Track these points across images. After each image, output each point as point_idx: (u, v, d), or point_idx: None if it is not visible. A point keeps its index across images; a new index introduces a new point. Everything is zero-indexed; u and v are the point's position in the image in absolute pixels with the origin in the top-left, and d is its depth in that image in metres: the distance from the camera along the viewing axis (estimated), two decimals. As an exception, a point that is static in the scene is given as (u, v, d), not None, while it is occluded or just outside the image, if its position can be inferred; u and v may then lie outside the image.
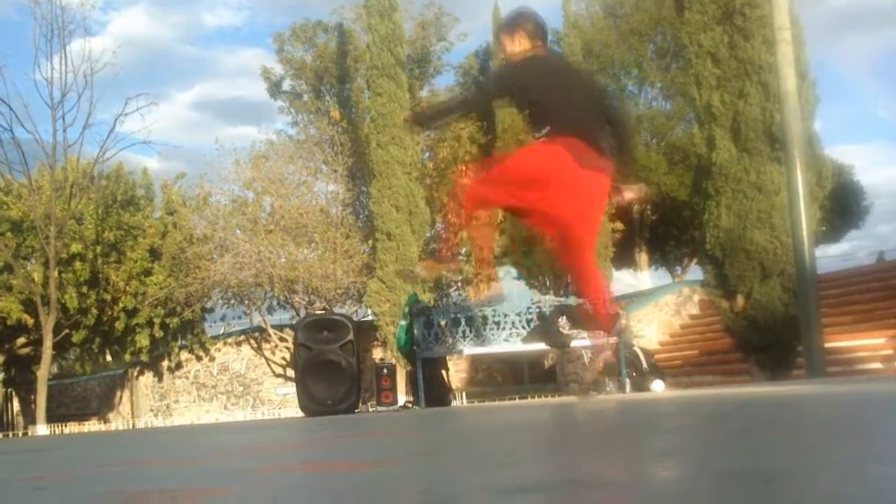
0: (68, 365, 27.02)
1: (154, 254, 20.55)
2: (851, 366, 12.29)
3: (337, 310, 18.76)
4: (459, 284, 18.79)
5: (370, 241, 18.35)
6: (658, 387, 10.85)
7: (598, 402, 4.49)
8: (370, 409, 12.75)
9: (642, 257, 23.42)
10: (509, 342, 10.17)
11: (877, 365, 12.24)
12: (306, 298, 19.63)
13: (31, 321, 18.19)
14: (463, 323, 10.11)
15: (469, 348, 10.26)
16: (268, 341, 21.23)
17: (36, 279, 17.91)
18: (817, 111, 11.32)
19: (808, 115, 10.56)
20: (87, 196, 19.46)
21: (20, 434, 19.86)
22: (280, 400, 21.13)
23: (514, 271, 10.63)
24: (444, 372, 10.66)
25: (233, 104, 61.14)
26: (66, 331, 18.95)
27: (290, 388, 16.87)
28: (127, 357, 21.77)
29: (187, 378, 21.82)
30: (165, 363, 21.71)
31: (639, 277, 24.48)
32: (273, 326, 20.96)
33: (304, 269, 18.83)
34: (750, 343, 11.22)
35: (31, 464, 3.35)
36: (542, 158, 3.86)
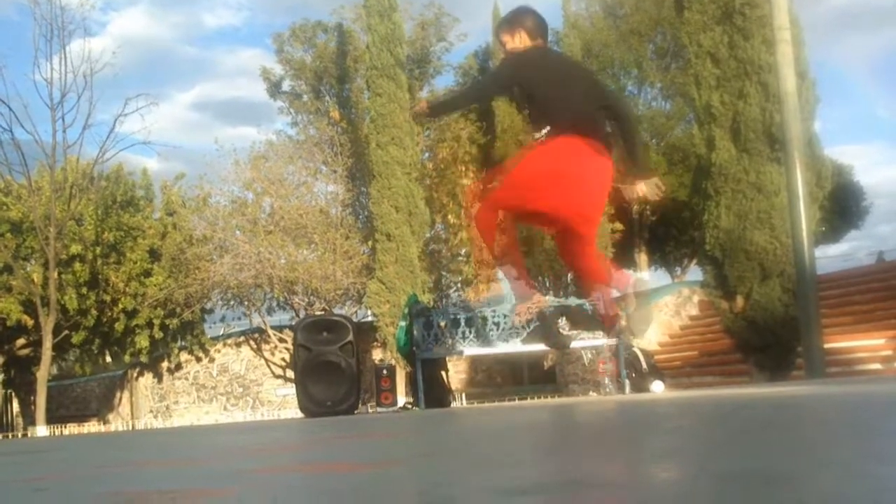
0: (68, 366, 27.00)
1: (154, 255, 20.55)
2: (851, 366, 12.28)
3: (336, 311, 18.76)
4: (459, 285, 18.82)
5: (370, 242, 18.35)
6: (657, 388, 10.84)
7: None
8: (370, 410, 12.74)
9: (642, 258, 23.41)
10: (509, 343, 10.17)
11: (876, 366, 12.23)
12: (306, 299, 19.62)
13: (30, 322, 18.19)
14: (462, 324, 10.10)
15: (469, 349, 10.26)
16: (267, 342, 21.22)
17: (35, 280, 17.91)
18: (817, 111, 11.33)
19: (808, 116, 10.56)
20: (86, 197, 19.46)
21: (20, 435, 19.85)
22: (280, 401, 21.12)
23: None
24: (443, 373, 10.65)
25: (232, 105, 61.17)
26: (66, 332, 18.94)
27: (290, 389, 16.87)
28: (126, 358, 21.76)
29: (187, 379, 21.81)
30: (165, 364, 21.70)
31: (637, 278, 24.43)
32: (273, 327, 20.95)
33: (303, 269, 18.82)
34: (749, 344, 11.22)
35: (30, 465, 3.35)
36: (544, 161, 3.86)
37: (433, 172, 19.39)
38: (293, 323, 18.44)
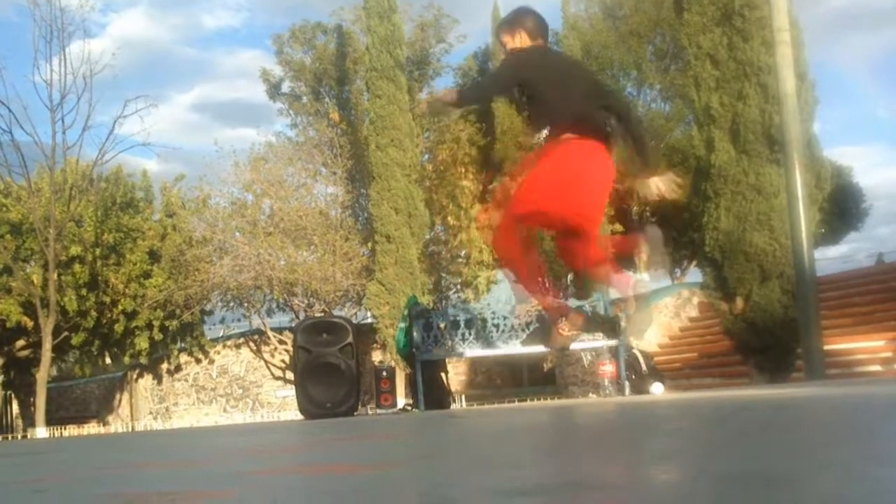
0: (67, 367, 26.99)
1: (153, 256, 20.54)
2: (850, 368, 12.27)
3: (336, 312, 18.76)
4: (459, 287, 18.80)
5: (369, 244, 18.34)
6: (657, 389, 10.86)
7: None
8: (369, 412, 12.74)
9: (641, 259, 23.41)
10: (509, 344, 10.18)
11: (876, 367, 12.23)
12: (305, 301, 19.62)
13: (30, 324, 18.18)
14: (462, 325, 10.11)
15: (468, 351, 10.27)
16: (267, 344, 21.21)
17: (35, 281, 17.90)
18: (816, 113, 11.32)
19: (808, 117, 10.57)
20: (86, 198, 19.45)
21: (19, 437, 19.85)
22: (279, 402, 21.11)
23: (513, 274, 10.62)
24: (443, 374, 10.66)
25: (232, 106, 61.16)
26: (66, 333, 18.93)
27: (290, 391, 16.88)
28: (126, 359, 21.74)
29: (186, 381, 21.80)
30: (165, 366, 21.68)
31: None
32: (272, 329, 20.94)
33: (303, 271, 18.82)
34: (749, 345, 11.22)
35: (30, 466, 3.35)
36: (555, 167, 3.84)
37: (433, 174, 19.37)
38: (293, 324, 18.44)
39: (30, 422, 19.69)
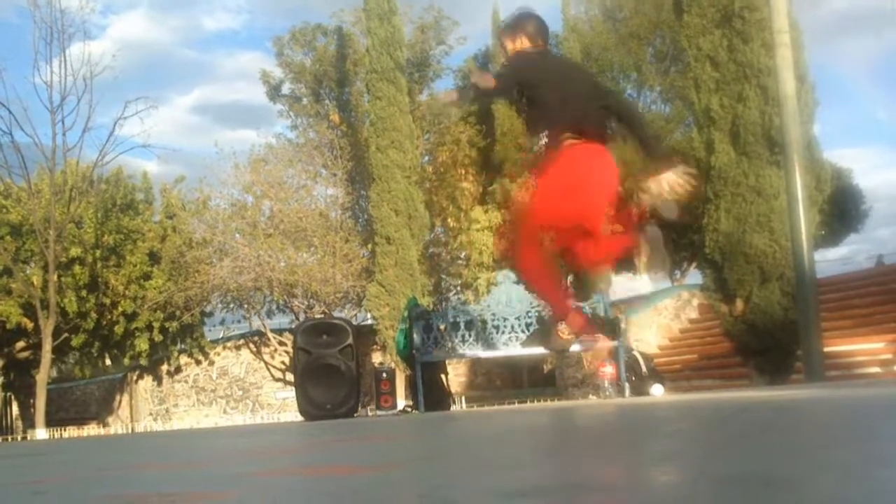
0: (67, 369, 26.98)
1: (153, 258, 20.54)
2: (850, 370, 12.27)
3: (336, 314, 18.76)
4: (459, 288, 18.79)
5: (369, 245, 18.34)
6: (657, 391, 10.86)
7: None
8: (369, 414, 12.74)
9: (641, 261, 23.40)
10: (509, 346, 10.18)
11: (875, 369, 12.22)
12: (305, 302, 19.62)
13: (30, 325, 18.18)
14: (462, 327, 10.11)
15: (468, 352, 10.27)
16: (267, 345, 21.21)
17: (35, 283, 17.90)
18: (816, 114, 11.32)
19: (808, 119, 10.57)
20: (86, 200, 19.45)
21: (19, 438, 19.84)
22: (279, 404, 21.10)
23: (513, 275, 10.63)
24: (443, 376, 10.66)
25: (232, 108, 61.21)
26: (66, 335, 18.93)
27: (290, 393, 16.86)
28: (126, 361, 21.73)
29: (186, 382, 21.79)
30: (165, 367, 21.68)
31: (637, 281, 24.47)
32: (272, 330, 20.94)
33: (303, 273, 18.82)
34: (749, 347, 11.21)
35: (30, 468, 3.35)
36: (566, 174, 3.83)
37: (433, 176, 19.37)
38: (293, 326, 18.44)
39: (30, 423, 19.69)
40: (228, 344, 22.08)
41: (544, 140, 3.92)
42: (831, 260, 24.45)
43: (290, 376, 18.53)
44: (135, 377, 21.76)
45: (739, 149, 10.93)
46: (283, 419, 19.52)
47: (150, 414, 21.58)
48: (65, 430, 19.51)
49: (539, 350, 9.73)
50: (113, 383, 22.82)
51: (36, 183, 18.86)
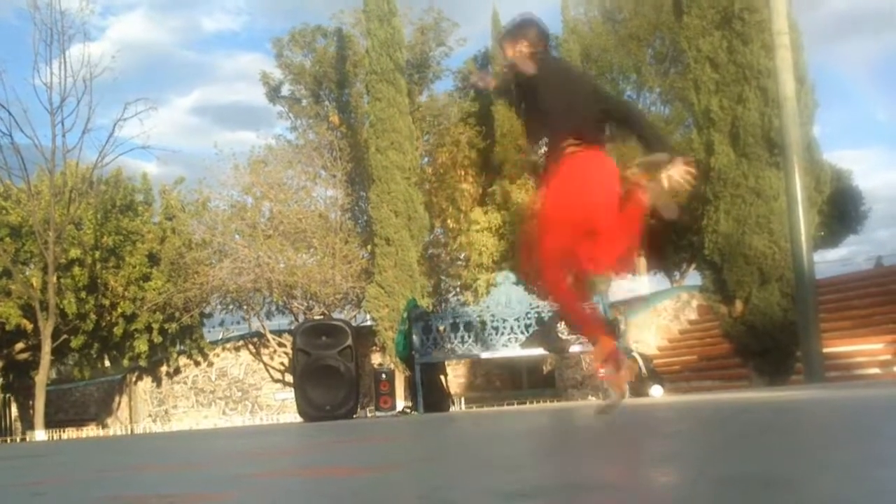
0: (67, 370, 26.96)
1: (153, 259, 20.53)
2: (850, 371, 12.27)
3: (336, 315, 18.75)
4: (458, 289, 18.81)
5: (369, 247, 18.35)
6: (657, 392, 10.85)
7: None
8: (368, 415, 12.73)
9: (640, 262, 23.42)
10: (508, 347, 10.17)
11: (875, 370, 12.23)
12: (305, 304, 19.62)
13: (29, 326, 18.17)
14: (461, 328, 10.11)
15: (468, 353, 10.26)
16: (266, 346, 21.21)
17: (35, 284, 17.89)
18: (816, 116, 11.32)
19: (807, 120, 10.57)
20: (85, 201, 19.45)
21: (18, 439, 19.82)
22: (279, 405, 21.10)
23: (512, 276, 10.64)
24: (442, 377, 10.66)
25: (232, 109, 61.18)
26: (65, 336, 18.92)
27: (289, 394, 16.85)
28: (125, 362, 21.72)
29: (186, 383, 21.78)
30: (164, 368, 21.67)
31: (637, 282, 24.47)
32: (272, 332, 20.94)
33: (302, 274, 18.82)
34: (748, 348, 11.21)
35: (29, 469, 3.35)
36: (573, 185, 3.81)
37: (432, 177, 19.39)
38: (292, 327, 18.45)
39: (29, 425, 19.67)
40: (228, 345, 22.07)
41: (544, 148, 3.91)
42: (831, 261, 24.48)
43: (289, 377, 18.52)
44: (134, 378, 21.75)
45: (739, 150, 10.93)
46: (282, 420, 19.51)
47: (150, 415, 21.56)
48: (64, 431, 19.49)
49: (538, 351, 9.72)
50: (112, 385, 22.80)
51: (35, 184, 18.86)
